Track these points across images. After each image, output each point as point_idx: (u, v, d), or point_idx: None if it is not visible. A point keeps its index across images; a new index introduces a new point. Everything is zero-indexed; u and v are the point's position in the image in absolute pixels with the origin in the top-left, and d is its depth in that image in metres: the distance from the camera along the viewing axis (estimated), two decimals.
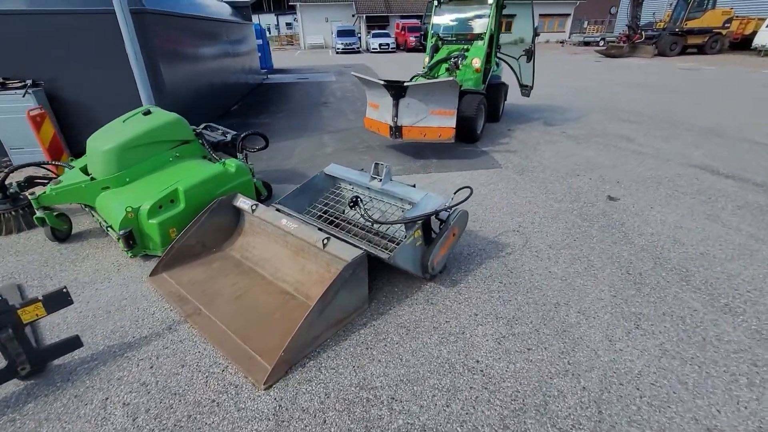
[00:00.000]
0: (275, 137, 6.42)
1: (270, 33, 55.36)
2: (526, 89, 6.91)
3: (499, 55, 6.76)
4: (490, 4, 5.86)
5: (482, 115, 5.93)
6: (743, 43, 21.76)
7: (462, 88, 5.64)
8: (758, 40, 19.77)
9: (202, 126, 4.28)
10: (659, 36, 20.93)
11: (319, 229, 2.56)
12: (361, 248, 2.30)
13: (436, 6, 6.37)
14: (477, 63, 5.93)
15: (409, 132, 4.88)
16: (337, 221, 2.93)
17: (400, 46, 28.48)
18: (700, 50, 21.06)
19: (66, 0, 4.78)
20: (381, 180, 2.86)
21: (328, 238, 2.41)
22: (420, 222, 2.41)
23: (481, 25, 6.06)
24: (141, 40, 5.00)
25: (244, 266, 2.90)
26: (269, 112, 8.42)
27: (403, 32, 28.15)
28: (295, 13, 34.03)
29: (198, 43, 6.95)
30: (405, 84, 4.59)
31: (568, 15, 37.62)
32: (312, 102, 9.48)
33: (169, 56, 5.67)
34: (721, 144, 5.67)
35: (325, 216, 2.96)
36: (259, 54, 15.97)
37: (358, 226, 3.03)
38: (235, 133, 3.93)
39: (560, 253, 3.05)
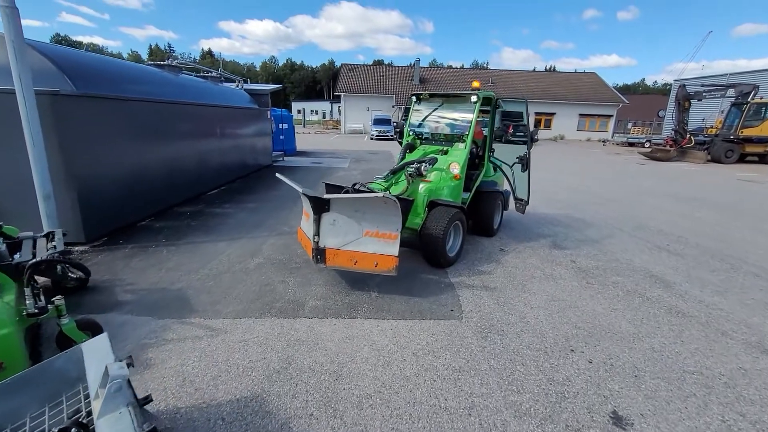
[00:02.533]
0: (215, 235, 5.42)
1: (324, 117, 60.86)
2: (520, 204, 5.53)
3: (492, 159, 5.62)
4: (474, 103, 4.86)
5: (458, 234, 4.59)
6: None
7: (433, 199, 4.47)
8: None
9: (43, 232, 3.29)
10: (711, 142, 19.43)
11: None
12: None
13: (415, 101, 5.51)
14: (455, 169, 4.77)
15: (334, 257, 3.60)
16: None
17: None
18: (762, 159, 19.05)
19: None
20: (102, 399, 1.50)
21: None
22: None
23: (463, 125, 5.02)
24: (57, 124, 4.42)
25: None
26: (242, 200, 7.65)
27: None
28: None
29: (161, 126, 6.48)
30: (326, 195, 3.44)
31: (611, 116, 37.26)
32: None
33: (99, 140, 5.05)
34: None
35: None
36: (282, 137, 16.41)
37: None
38: (52, 253, 2.86)
39: None
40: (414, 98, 5.47)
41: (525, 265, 4.72)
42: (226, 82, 12.08)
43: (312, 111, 66.01)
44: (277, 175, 4.09)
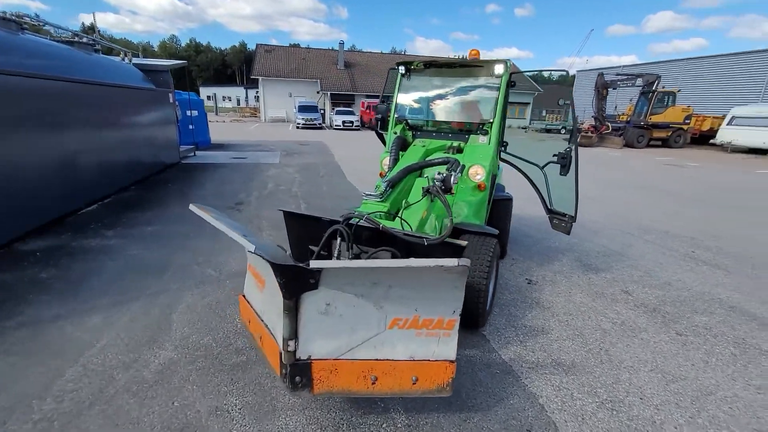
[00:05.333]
0: (83, 298, 3.16)
1: (239, 104, 55.09)
2: (562, 221, 3.98)
3: (504, 156, 4.17)
4: (499, 76, 3.32)
5: (491, 278, 3.05)
6: (700, 139, 22.36)
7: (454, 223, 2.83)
8: (721, 137, 19.80)
9: None
10: (624, 128, 20.87)
11: None
12: None
13: (403, 75, 3.76)
14: (479, 174, 3.20)
15: (332, 374, 1.78)
16: None
17: (365, 124, 27.72)
18: (664, 143, 21.01)
19: None
20: None
21: None
22: None
23: (483, 109, 3.46)
24: None
25: None
26: (134, 220, 5.22)
27: (368, 111, 27.43)
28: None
29: None
30: (314, 263, 1.60)
31: (528, 104, 39.12)
32: (222, 200, 6.44)
33: None
34: None
35: None
36: (192, 126, 13.38)
37: None
38: None
39: None
40: (402, 69, 3.69)
41: (576, 307, 3.36)
42: (105, 53, 9.00)
43: (224, 97, 59.68)
44: (191, 207, 2.08)
